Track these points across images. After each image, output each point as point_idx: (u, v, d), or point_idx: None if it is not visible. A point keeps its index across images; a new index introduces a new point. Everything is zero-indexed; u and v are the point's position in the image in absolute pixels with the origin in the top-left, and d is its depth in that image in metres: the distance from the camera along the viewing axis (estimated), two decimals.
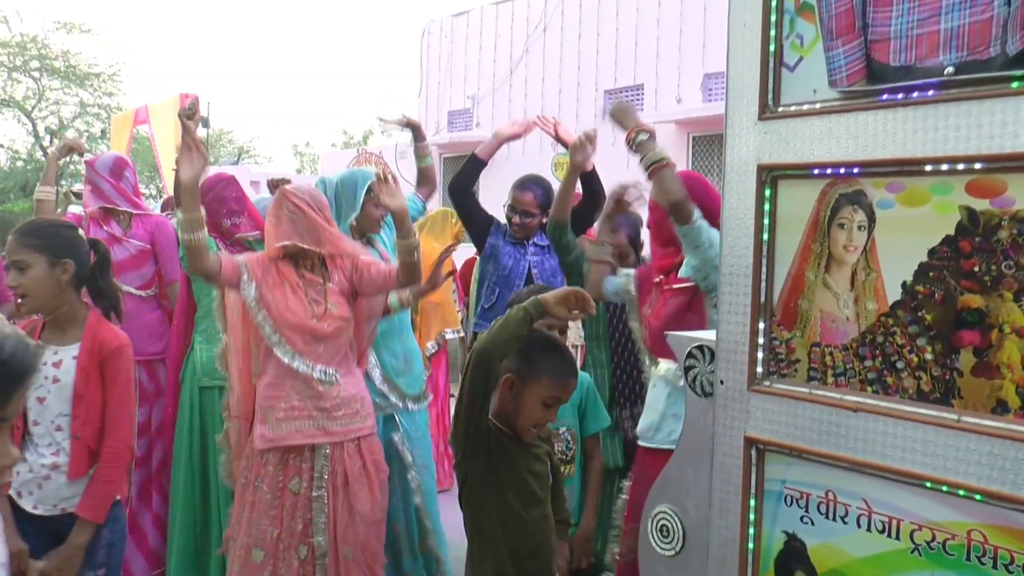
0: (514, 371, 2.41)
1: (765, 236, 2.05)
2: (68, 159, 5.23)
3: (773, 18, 2.02)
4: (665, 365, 2.99)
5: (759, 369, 2.06)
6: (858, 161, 1.88)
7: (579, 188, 4.30)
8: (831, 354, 1.95)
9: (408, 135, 4.59)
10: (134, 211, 4.40)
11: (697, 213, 3.02)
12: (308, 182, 3.84)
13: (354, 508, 3.28)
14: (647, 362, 3.49)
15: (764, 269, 2.05)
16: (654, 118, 12.13)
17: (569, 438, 3.05)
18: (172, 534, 4.11)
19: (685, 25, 11.99)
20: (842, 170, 1.92)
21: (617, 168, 12.86)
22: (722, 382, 2.11)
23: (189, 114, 3.14)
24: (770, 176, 2.04)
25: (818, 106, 1.95)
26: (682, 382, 3.01)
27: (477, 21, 15.09)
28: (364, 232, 3.90)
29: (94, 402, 2.79)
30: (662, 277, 3.14)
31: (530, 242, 4.51)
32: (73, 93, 29.23)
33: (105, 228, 4.33)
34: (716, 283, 2.94)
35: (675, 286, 3.09)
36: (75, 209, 4.77)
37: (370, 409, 3.44)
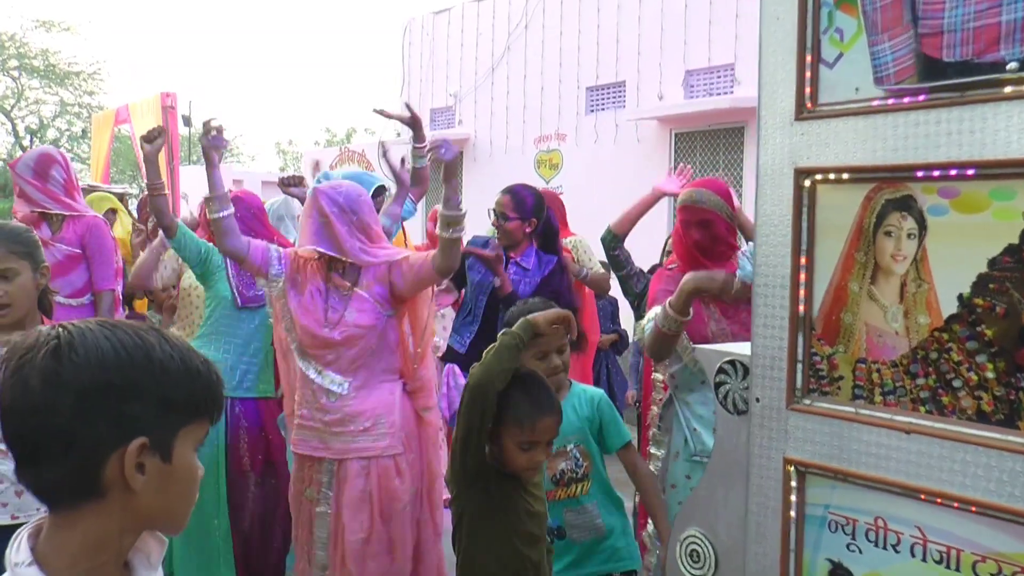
0: (493, 421, 2.26)
1: (803, 245, 1.88)
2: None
3: (810, 12, 1.86)
4: None
5: (798, 386, 1.89)
6: (907, 164, 1.72)
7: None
8: (878, 371, 1.79)
9: (398, 131, 4.38)
10: (65, 212, 4.00)
11: None
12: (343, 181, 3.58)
13: (344, 536, 3.05)
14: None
15: (803, 280, 1.89)
16: (636, 115, 11.98)
17: (578, 455, 2.85)
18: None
19: (666, 22, 11.82)
20: (889, 174, 1.76)
21: (601, 163, 12.66)
22: (758, 400, 1.95)
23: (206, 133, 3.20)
24: (808, 180, 1.87)
25: (861, 105, 1.79)
26: None
27: (459, 18, 14.86)
28: None
29: None
30: None
31: (511, 261, 4.23)
32: (53, 92, 28.72)
33: (35, 231, 4.03)
34: None
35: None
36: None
37: (391, 428, 3.13)
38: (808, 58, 1.86)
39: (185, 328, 4.08)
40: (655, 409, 3.33)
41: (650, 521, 3.01)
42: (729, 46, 11.11)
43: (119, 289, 4.17)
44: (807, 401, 1.88)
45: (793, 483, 1.90)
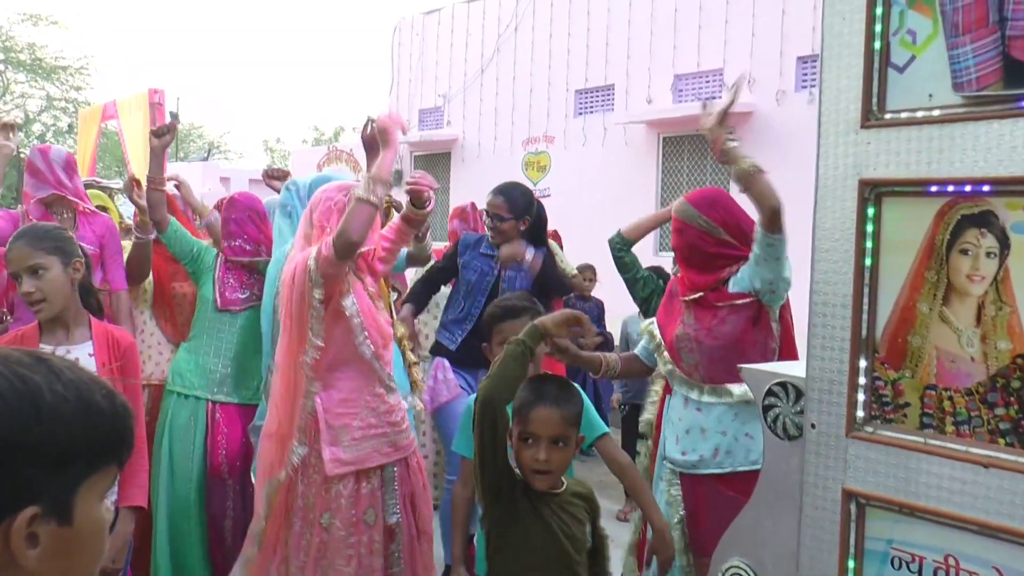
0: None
1: (868, 261, 1.72)
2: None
3: (879, 10, 1.70)
4: (738, 389, 2.67)
5: (860, 413, 1.74)
6: (989, 178, 1.56)
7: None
8: (951, 399, 1.63)
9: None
10: (82, 204, 3.80)
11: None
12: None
13: (422, 531, 2.95)
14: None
15: (866, 299, 1.73)
16: (625, 118, 11.84)
17: None
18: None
19: (655, 26, 11.68)
20: (967, 187, 1.60)
21: (589, 166, 12.54)
22: (813, 426, 1.79)
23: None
24: (874, 193, 1.71)
25: (936, 112, 1.63)
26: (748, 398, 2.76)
27: (448, 19, 14.66)
28: None
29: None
30: (701, 294, 2.81)
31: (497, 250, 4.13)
32: (39, 87, 28.19)
33: None
34: (781, 297, 2.79)
35: (736, 302, 2.77)
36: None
37: None
38: (876, 61, 1.70)
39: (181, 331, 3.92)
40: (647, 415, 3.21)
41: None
42: (718, 51, 10.99)
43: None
44: (869, 429, 1.72)
45: (852, 515, 1.74)
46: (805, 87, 10.12)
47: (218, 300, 3.72)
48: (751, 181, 2.73)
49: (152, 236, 3.79)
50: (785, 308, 2.89)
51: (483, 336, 2.89)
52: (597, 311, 6.58)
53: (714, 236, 2.87)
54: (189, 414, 3.68)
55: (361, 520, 2.81)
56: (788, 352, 2.85)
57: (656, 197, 11.45)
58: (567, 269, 6.38)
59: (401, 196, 3.58)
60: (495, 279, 4.07)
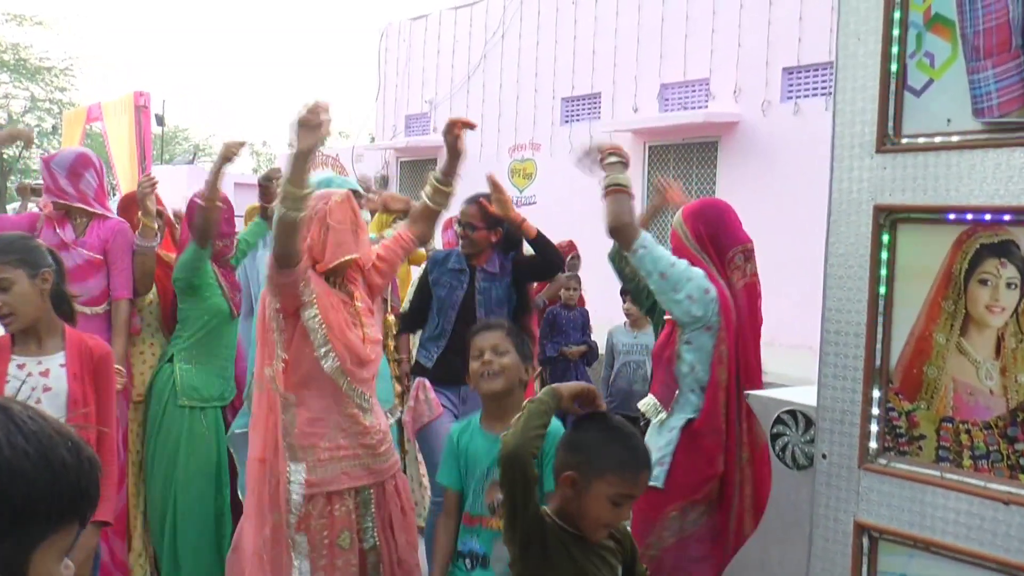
0: (575, 467, 1.97)
1: (882, 289, 1.67)
2: (19, 152, 4.36)
3: (895, 32, 1.64)
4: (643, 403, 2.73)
5: (873, 444, 1.68)
6: (1010, 207, 1.51)
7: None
8: (968, 432, 1.58)
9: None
10: (92, 210, 3.72)
11: (640, 241, 2.76)
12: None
13: (402, 557, 2.81)
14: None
15: (880, 328, 1.67)
16: (611, 127, 11.79)
17: None
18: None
19: (642, 35, 11.64)
20: (987, 216, 1.55)
21: (574, 174, 12.53)
22: (824, 456, 1.73)
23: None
24: (889, 219, 1.66)
25: (955, 138, 1.58)
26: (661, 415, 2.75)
27: (435, 25, 14.56)
28: None
29: (89, 407, 2.63)
30: None
31: (479, 268, 4.04)
32: (23, 87, 27.85)
33: (59, 231, 3.69)
34: (681, 319, 2.74)
35: (666, 317, 2.82)
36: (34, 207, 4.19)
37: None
38: (892, 84, 1.65)
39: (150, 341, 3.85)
40: None
41: None
42: (704, 60, 10.97)
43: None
44: (883, 461, 1.67)
45: (865, 549, 1.68)
46: (791, 98, 10.10)
47: (233, 309, 3.76)
48: (608, 195, 2.80)
49: (155, 244, 3.71)
50: (725, 336, 2.75)
51: (459, 352, 2.81)
52: (582, 320, 6.53)
53: (687, 246, 2.84)
54: (207, 425, 3.66)
55: (335, 544, 2.70)
56: (739, 380, 2.73)
57: (642, 206, 11.40)
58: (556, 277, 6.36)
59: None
60: (465, 292, 4.01)
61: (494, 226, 4.00)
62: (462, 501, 2.55)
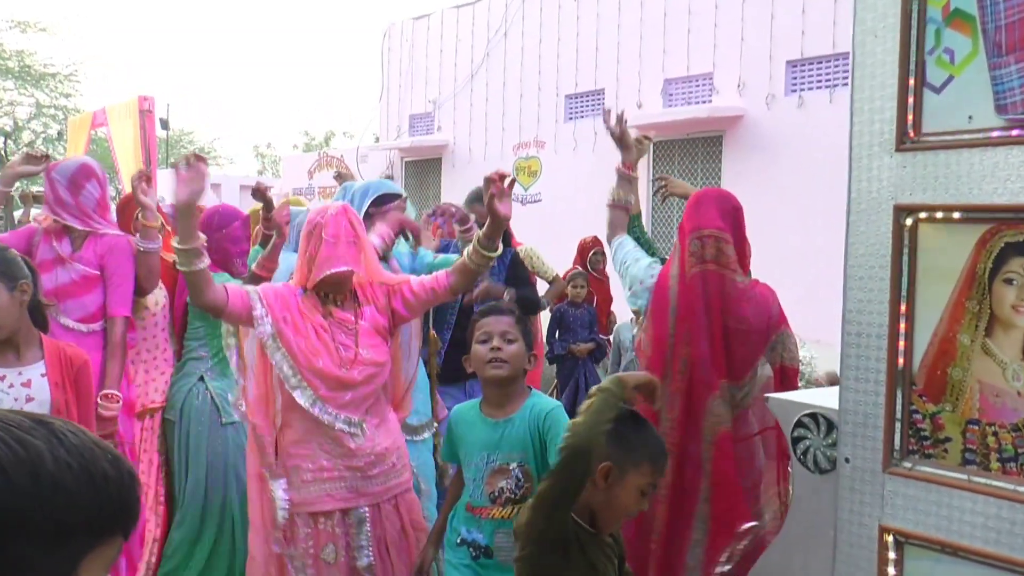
0: (611, 458, 1.94)
1: (903, 290, 1.63)
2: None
3: (913, 28, 1.61)
4: None
5: (896, 447, 1.65)
6: None
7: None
8: (995, 434, 1.55)
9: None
10: (87, 229, 3.52)
11: (615, 241, 3.12)
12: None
13: None
14: None
15: (902, 330, 1.64)
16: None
17: (520, 475, 2.51)
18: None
19: (645, 31, 11.59)
20: (1011, 214, 1.51)
21: (579, 171, 12.46)
22: (847, 460, 1.70)
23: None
24: (911, 219, 1.62)
25: (978, 136, 1.54)
26: None
27: (438, 25, 14.53)
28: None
29: (71, 416, 2.62)
30: None
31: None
32: (28, 94, 27.86)
33: (55, 245, 3.49)
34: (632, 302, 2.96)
35: None
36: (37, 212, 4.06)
37: (407, 460, 2.88)
38: (911, 81, 1.61)
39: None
40: None
41: None
42: (708, 55, 10.92)
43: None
44: (908, 464, 1.63)
45: (890, 554, 1.65)
46: (795, 91, 10.05)
47: None
48: (608, 206, 3.13)
49: (159, 245, 3.53)
50: (648, 326, 2.87)
51: (462, 350, 2.75)
52: (589, 318, 6.50)
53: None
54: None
55: (319, 557, 2.68)
56: (686, 371, 2.79)
57: (647, 201, 11.36)
58: (548, 271, 6.30)
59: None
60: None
61: None
62: None
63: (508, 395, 2.50)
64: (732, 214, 2.85)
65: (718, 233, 2.78)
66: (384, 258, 3.36)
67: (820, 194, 8.71)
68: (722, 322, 2.72)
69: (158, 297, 3.75)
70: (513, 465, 2.49)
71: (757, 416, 2.72)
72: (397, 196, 3.49)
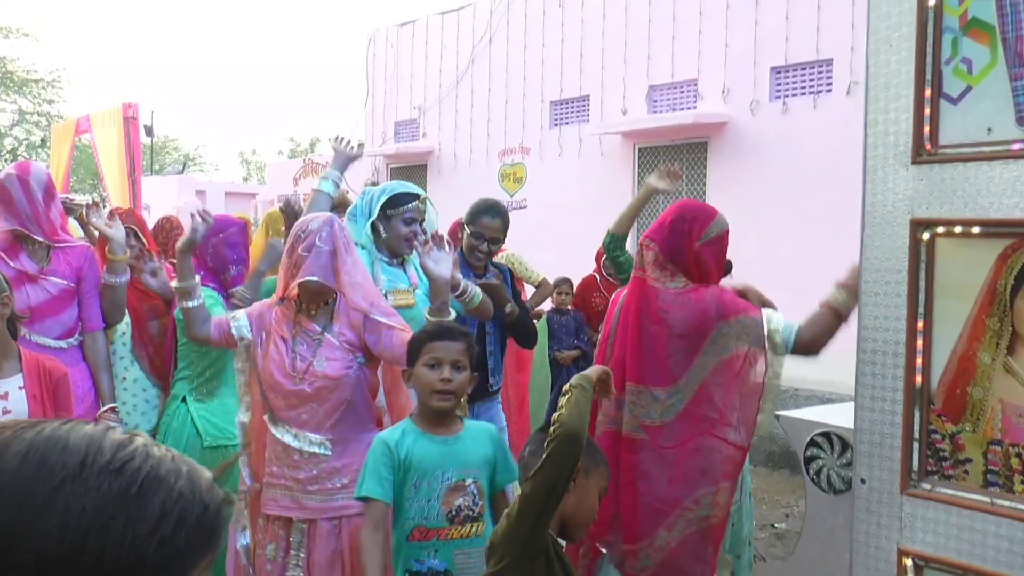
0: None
1: (921, 307, 1.58)
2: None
3: (929, 38, 1.55)
4: None
5: (914, 468, 1.59)
6: None
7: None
8: (1019, 455, 1.49)
9: (360, 142, 3.83)
10: (57, 244, 3.28)
11: None
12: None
13: None
14: None
15: (920, 347, 1.58)
16: (600, 129, 11.71)
17: (476, 491, 2.47)
18: None
19: (630, 37, 11.55)
20: None
21: (565, 177, 12.41)
22: (863, 480, 1.64)
23: None
24: (928, 233, 1.57)
25: (998, 148, 1.49)
26: None
27: (423, 31, 14.44)
28: (394, 253, 3.31)
29: None
30: None
31: (479, 277, 3.84)
32: (11, 100, 27.56)
33: (12, 264, 3.18)
34: None
35: None
36: None
37: None
38: (927, 92, 1.56)
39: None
40: None
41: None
42: (692, 61, 10.89)
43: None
44: (926, 486, 1.58)
45: None
46: (779, 97, 10.04)
47: None
48: None
49: (125, 279, 3.36)
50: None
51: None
52: (574, 324, 6.44)
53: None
54: (234, 464, 3.50)
55: (263, 552, 2.76)
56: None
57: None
58: (533, 276, 6.24)
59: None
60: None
61: (505, 238, 3.92)
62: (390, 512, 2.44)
63: (447, 414, 2.48)
64: (673, 224, 2.75)
65: (646, 242, 2.80)
66: (403, 263, 3.32)
67: (805, 200, 8.70)
68: (639, 326, 2.69)
69: (121, 326, 3.56)
70: (469, 481, 2.43)
71: (692, 425, 2.59)
72: (415, 196, 3.38)
